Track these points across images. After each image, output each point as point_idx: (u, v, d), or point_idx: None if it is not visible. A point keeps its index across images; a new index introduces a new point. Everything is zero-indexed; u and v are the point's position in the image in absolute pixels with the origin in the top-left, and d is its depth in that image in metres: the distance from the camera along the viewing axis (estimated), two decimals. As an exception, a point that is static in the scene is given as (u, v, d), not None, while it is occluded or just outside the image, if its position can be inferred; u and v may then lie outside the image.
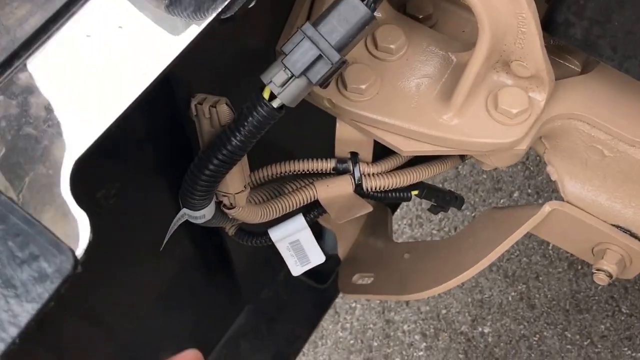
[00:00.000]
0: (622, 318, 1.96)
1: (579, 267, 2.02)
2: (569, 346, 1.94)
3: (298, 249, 0.85)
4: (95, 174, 0.65)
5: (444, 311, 1.97)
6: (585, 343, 1.94)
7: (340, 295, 1.42)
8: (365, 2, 0.57)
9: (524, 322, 1.96)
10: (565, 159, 0.84)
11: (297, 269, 0.86)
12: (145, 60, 0.50)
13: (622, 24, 0.64)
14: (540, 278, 2.01)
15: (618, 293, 2.02)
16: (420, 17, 0.81)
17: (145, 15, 0.52)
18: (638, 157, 0.79)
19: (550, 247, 2.04)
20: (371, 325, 1.96)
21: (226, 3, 0.52)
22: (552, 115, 0.77)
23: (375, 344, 1.94)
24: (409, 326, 1.96)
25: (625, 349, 1.93)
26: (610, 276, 0.86)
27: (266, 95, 0.58)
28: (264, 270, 1.31)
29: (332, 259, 1.33)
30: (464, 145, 0.74)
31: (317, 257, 0.86)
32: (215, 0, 0.52)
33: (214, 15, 0.51)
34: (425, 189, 0.90)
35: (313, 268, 1.05)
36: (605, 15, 0.63)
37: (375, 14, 0.58)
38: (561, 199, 0.88)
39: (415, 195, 0.89)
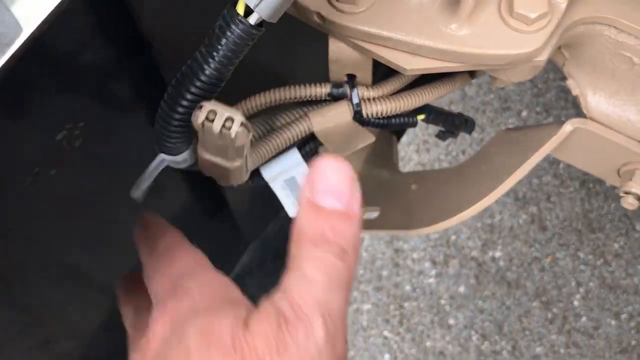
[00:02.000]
0: (636, 236, 1.90)
1: (591, 185, 1.94)
2: (582, 266, 1.89)
3: (294, 187, 0.77)
4: (53, 111, 0.57)
5: (453, 237, 1.91)
6: (599, 262, 1.89)
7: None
8: None
9: (536, 244, 1.91)
10: (588, 70, 0.75)
11: (294, 210, 0.78)
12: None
13: None
14: (552, 199, 1.94)
15: (631, 211, 1.95)
16: None
17: None
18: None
19: (561, 167, 1.96)
20: (380, 255, 1.90)
21: None
22: (574, 19, 0.67)
23: (385, 273, 1.89)
24: (418, 254, 1.90)
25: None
26: (639, 199, 0.78)
27: (240, 9, 0.48)
28: (267, 206, 1.24)
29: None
30: (475, 59, 0.64)
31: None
32: None
33: None
34: (433, 113, 0.81)
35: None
36: None
37: None
38: (582, 115, 0.79)
39: (422, 120, 0.80)
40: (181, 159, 0.59)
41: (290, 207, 0.78)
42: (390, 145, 1.10)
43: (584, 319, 1.84)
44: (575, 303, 1.86)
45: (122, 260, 0.70)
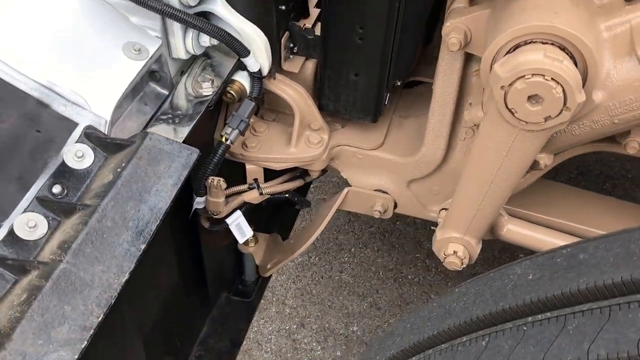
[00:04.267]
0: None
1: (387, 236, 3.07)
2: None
3: (239, 227, 1.83)
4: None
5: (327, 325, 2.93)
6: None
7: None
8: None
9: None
10: (346, 165, 1.91)
11: (241, 239, 1.85)
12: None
13: (345, 99, 1.74)
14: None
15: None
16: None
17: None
18: (375, 154, 1.87)
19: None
20: (284, 345, 2.87)
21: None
22: (331, 144, 1.85)
23: (289, 355, 2.85)
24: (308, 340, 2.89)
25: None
26: (380, 212, 1.92)
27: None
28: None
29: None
30: (299, 161, 1.79)
31: (248, 232, 1.86)
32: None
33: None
34: (291, 194, 1.93)
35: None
36: (335, 97, 1.74)
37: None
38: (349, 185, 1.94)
39: (286, 196, 1.92)
40: (201, 200, 1.66)
41: (239, 238, 1.85)
42: (278, 238, 2.20)
43: None
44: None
45: None
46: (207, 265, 1.99)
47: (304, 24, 1.78)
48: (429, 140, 1.76)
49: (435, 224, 1.87)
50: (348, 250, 3.03)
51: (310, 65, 1.81)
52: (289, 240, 2.13)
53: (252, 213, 1.89)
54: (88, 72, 1.35)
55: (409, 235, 3.08)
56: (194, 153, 1.28)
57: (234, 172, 1.83)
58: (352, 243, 3.06)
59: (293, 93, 1.75)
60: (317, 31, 1.74)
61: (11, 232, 1.14)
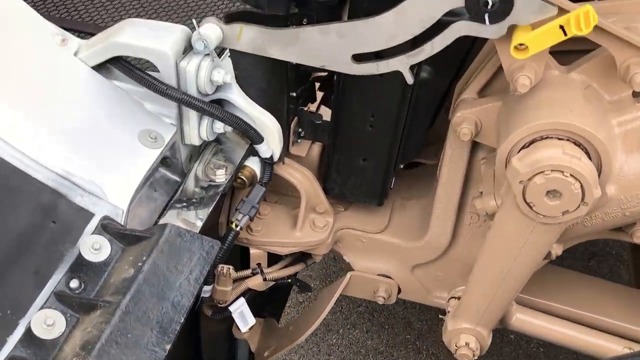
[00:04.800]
0: None
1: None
2: None
3: (242, 315, 1.79)
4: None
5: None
6: None
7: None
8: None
9: None
10: (349, 248, 1.90)
11: (244, 328, 1.81)
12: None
13: (352, 183, 1.74)
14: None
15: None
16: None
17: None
18: (379, 238, 1.86)
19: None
20: None
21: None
22: (336, 227, 1.84)
23: None
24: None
25: None
26: (383, 298, 1.90)
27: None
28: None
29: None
30: (305, 245, 1.77)
31: (251, 320, 1.81)
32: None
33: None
34: (293, 280, 1.90)
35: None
36: (341, 181, 1.74)
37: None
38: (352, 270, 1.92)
39: (289, 281, 1.89)
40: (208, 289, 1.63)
41: (242, 326, 1.81)
42: (274, 323, 2.16)
43: None
44: None
45: None
46: (204, 353, 1.94)
47: (309, 107, 1.80)
48: (435, 226, 1.77)
49: (440, 310, 1.85)
50: (336, 332, 2.98)
51: (316, 148, 1.82)
52: (288, 327, 2.08)
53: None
54: (105, 160, 1.33)
55: (398, 314, 3.05)
56: (215, 245, 1.26)
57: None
58: (340, 323, 3.01)
59: (300, 177, 1.75)
60: (324, 115, 1.75)
61: (29, 331, 1.09)
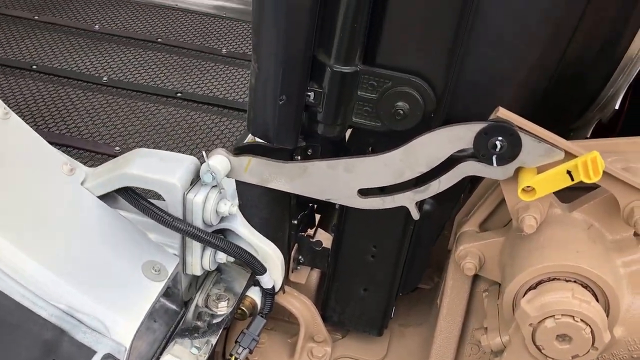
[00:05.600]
0: None
1: None
2: None
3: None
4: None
5: None
6: None
7: None
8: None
9: None
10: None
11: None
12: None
13: (351, 312, 1.72)
14: None
15: None
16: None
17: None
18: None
19: None
20: None
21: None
22: (333, 357, 1.79)
23: None
24: None
25: None
26: None
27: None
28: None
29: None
30: None
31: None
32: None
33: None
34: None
35: None
36: (340, 310, 1.71)
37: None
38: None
39: None
40: None
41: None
42: None
43: None
44: None
45: None
46: None
47: (307, 233, 1.80)
48: (435, 356, 1.73)
49: None
50: None
51: (315, 275, 1.80)
52: None
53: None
54: (109, 295, 1.31)
55: None
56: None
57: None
58: None
59: (300, 305, 1.73)
60: (323, 240, 1.75)
61: None
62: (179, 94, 2.43)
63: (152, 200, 1.43)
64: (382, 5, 1.30)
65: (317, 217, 1.89)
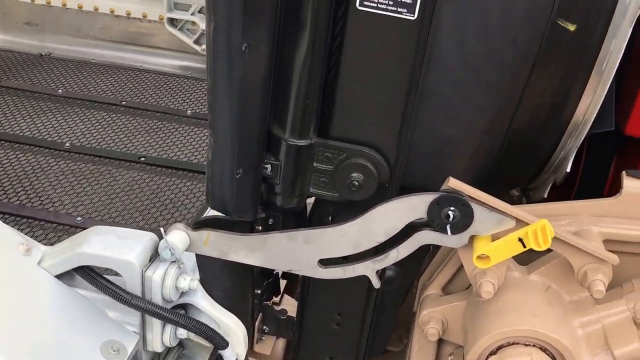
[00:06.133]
0: None
1: None
2: None
3: None
4: None
5: None
6: None
7: None
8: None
9: None
10: None
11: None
12: None
13: None
14: None
15: None
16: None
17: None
18: None
19: None
20: None
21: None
22: None
23: None
24: None
25: None
26: None
27: None
28: None
29: None
30: None
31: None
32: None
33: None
34: None
35: None
36: None
37: None
38: None
39: None
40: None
41: None
42: None
43: None
44: None
45: None
46: None
47: (272, 301, 1.79)
48: (405, 420, 1.72)
49: None
50: None
51: (281, 344, 1.80)
52: None
53: None
54: (65, 380, 1.28)
55: None
56: None
57: None
58: None
59: (265, 375, 1.71)
60: (288, 307, 1.75)
61: None
62: (142, 158, 2.43)
63: (111, 277, 1.42)
64: (333, 81, 1.33)
65: (284, 282, 1.89)
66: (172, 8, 3.06)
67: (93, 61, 3.21)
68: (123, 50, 3.26)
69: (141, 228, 2.00)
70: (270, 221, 1.55)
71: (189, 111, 2.81)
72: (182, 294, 1.46)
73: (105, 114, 2.74)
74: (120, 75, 3.08)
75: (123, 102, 2.83)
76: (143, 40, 3.25)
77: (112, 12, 3.22)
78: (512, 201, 1.76)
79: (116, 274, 1.42)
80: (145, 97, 2.90)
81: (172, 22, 3.08)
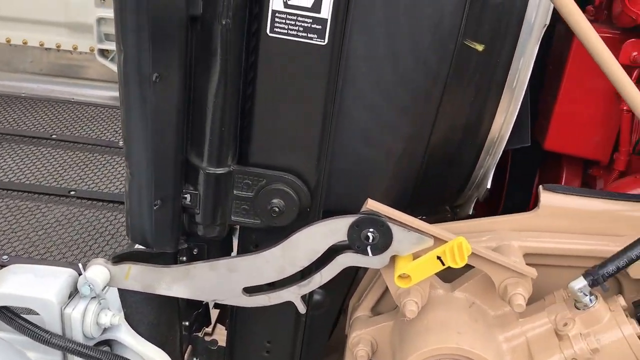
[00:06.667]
0: None
1: None
2: None
3: None
4: None
5: None
6: None
7: None
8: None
9: None
10: None
11: None
12: None
13: None
14: None
15: None
16: None
17: None
18: None
19: None
20: None
21: None
22: None
23: None
24: None
25: None
26: None
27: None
28: None
29: None
30: None
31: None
32: None
33: None
34: None
35: None
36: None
37: None
38: None
39: None
40: None
41: None
42: None
43: None
44: None
45: None
46: None
47: (203, 331, 1.77)
48: None
49: None
50: None
51: (214, 374, 1.76)
52: None
53: None
54: None
55: None
56: None
57: None
58: None
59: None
60: (219, 337, 1.72)
61: None
62: (72, 192, 2.38)
63: (30, 316, 1.38)
64: (250, 108, 1.33)
65: (217, 312, 1.87)
66: (103, 39, 3.03)
67: (23, 95, 3.14)
68: (54, 83, 3.21)
69: (70, 264, 1.95)
70: (195, 251, 1.54)
71: (122, 142, 2.76)
72: (105, 329, 1.44)
73: (35, 148, 2.68)
74: (51, 108, 3.02)
75: (54, 136, 2.78)
76: (74, 73, 3.21)
77: (41, 45, 3.17)
78: (447, 218, 1.79)
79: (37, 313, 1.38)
80: (76, 129, 2.85)
81: (103, 53, 3.05)
